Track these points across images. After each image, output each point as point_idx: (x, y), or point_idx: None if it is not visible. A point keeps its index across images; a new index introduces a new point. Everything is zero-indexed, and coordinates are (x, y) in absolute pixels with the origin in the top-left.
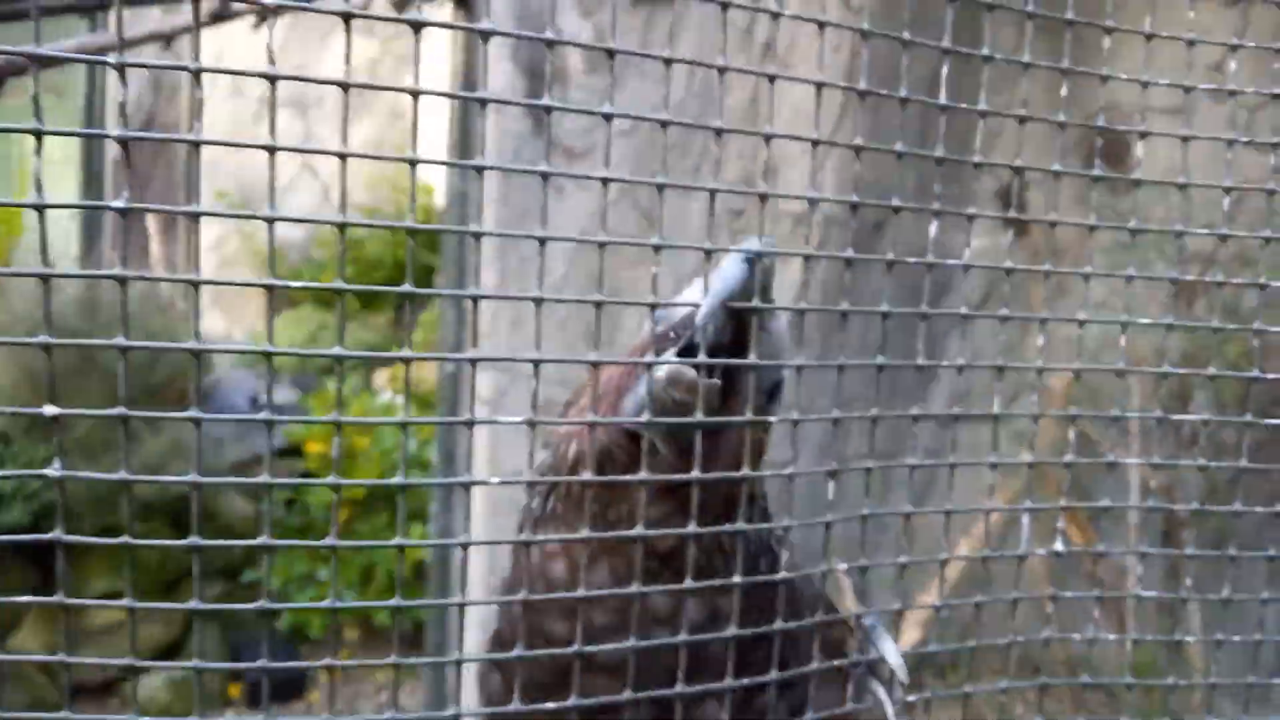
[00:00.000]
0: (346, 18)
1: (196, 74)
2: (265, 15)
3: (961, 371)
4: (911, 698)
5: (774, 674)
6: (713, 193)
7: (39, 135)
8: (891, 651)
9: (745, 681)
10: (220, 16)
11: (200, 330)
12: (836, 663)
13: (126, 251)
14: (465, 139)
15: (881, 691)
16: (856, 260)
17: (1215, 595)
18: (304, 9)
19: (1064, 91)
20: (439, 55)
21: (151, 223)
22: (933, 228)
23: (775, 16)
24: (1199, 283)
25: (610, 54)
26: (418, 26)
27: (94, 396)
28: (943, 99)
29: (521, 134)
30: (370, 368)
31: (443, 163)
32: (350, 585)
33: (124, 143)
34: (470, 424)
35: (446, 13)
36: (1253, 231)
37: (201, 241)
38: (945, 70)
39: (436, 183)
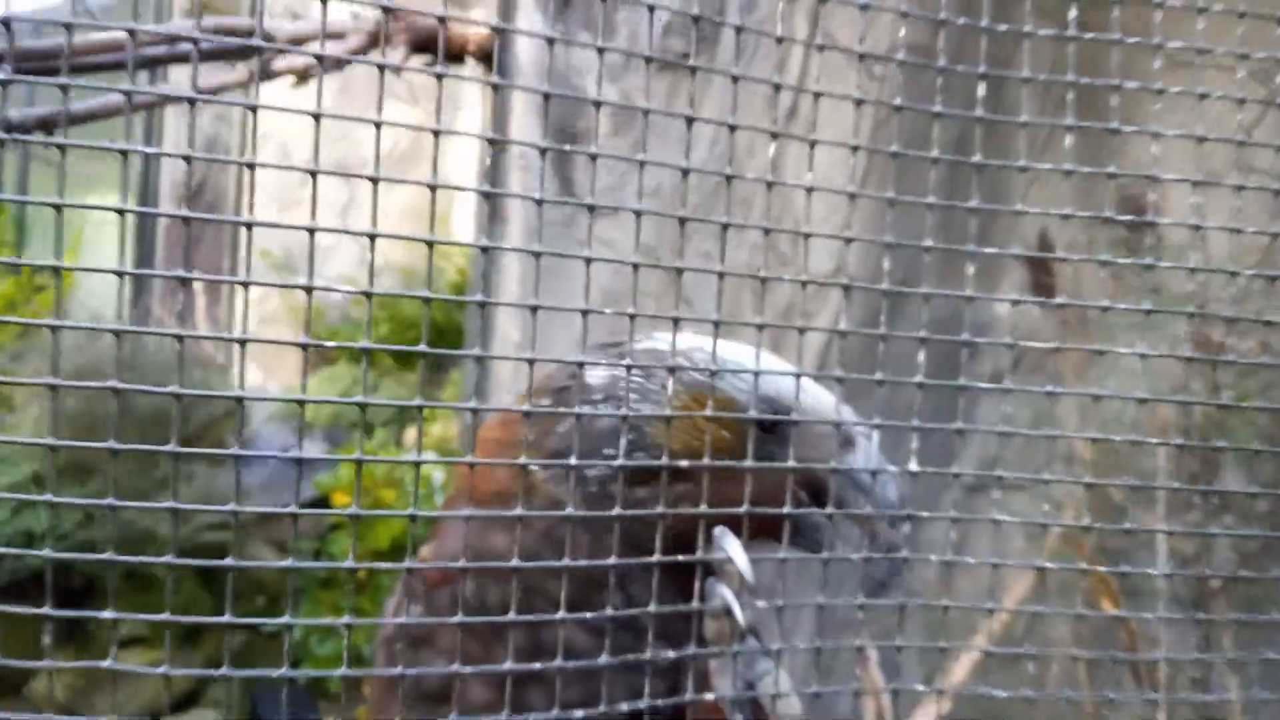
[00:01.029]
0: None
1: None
2: (303, 77)
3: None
4: (761, 603)
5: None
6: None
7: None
8: (737, 552)
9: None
10: (262, 76)
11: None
12: (681, 558)
13: (181, 310)
14: (493, 198)
15: (729, 594)
16: (886, 326)
17: (1246, 656)
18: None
19: (1110, 169)
20: (473, 119)
21: (197, 283)
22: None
23: (809, 94)
24: (1220, 344)
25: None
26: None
27: (129, 443)
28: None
29: (548, 193)
30: (400, 426)
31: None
32: (371, 640)
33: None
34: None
35: (465, 87)
36: (1276, 296)
37: (243, 301)
38: (976, 148)
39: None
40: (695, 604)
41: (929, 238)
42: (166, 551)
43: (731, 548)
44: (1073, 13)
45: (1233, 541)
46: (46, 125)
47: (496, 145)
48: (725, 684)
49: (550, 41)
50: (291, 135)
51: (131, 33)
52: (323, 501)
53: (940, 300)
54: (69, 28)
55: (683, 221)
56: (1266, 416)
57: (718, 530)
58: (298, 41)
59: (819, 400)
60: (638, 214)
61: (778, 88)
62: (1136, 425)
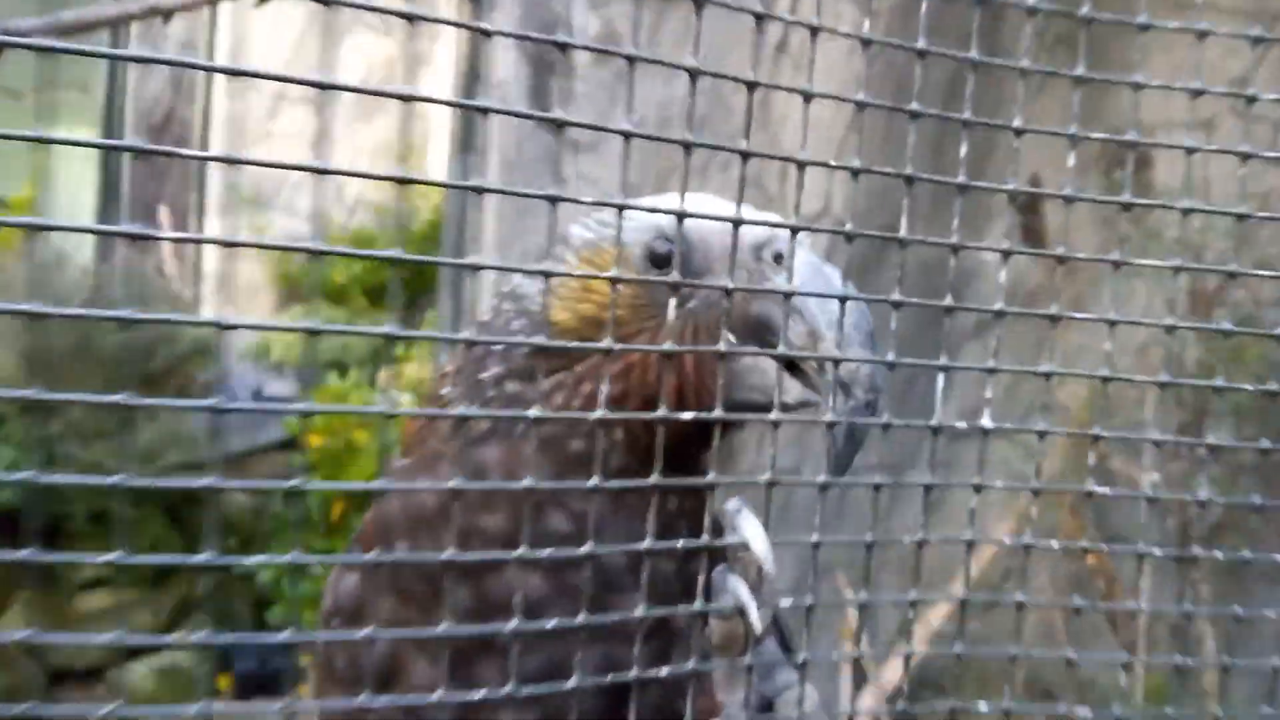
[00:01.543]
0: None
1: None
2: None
3: (991, 374)
4: (786, 602)
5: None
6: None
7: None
8: (755, 535)
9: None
10: None
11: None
12: (683, 543)
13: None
14: (468, 131)
15: (742, 589)
16: (870, 264)
17: (1226, 612)
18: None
19: (1075, 106)
20: (450, 48)
21: (164, 216)
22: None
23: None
24: (1215, 292)
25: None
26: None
27: (93, 381)
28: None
29: (524, 126)
30: (375, 366)
31: (429, 183)
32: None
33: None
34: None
35: (453, 6)
36: (1274, 243)
37: (212, 235)
38: (970, 83)
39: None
40: (700, 604)
41: (917, 185)
42: (131, 493)
43: (749, 529)
44: None
45: (1220, 490)
46: None
47: (471, 75)
48: (736, 700)
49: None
50: (261, 64)
51: None
52: (294, 443)
53: (926, 246)
54: None
55: (687, 148)
56: (1262, 365)
57: (731, 505)
58: None
59: (732, 228)
60: (626, 137)
61: (759, 17)
62: (1122, 370)
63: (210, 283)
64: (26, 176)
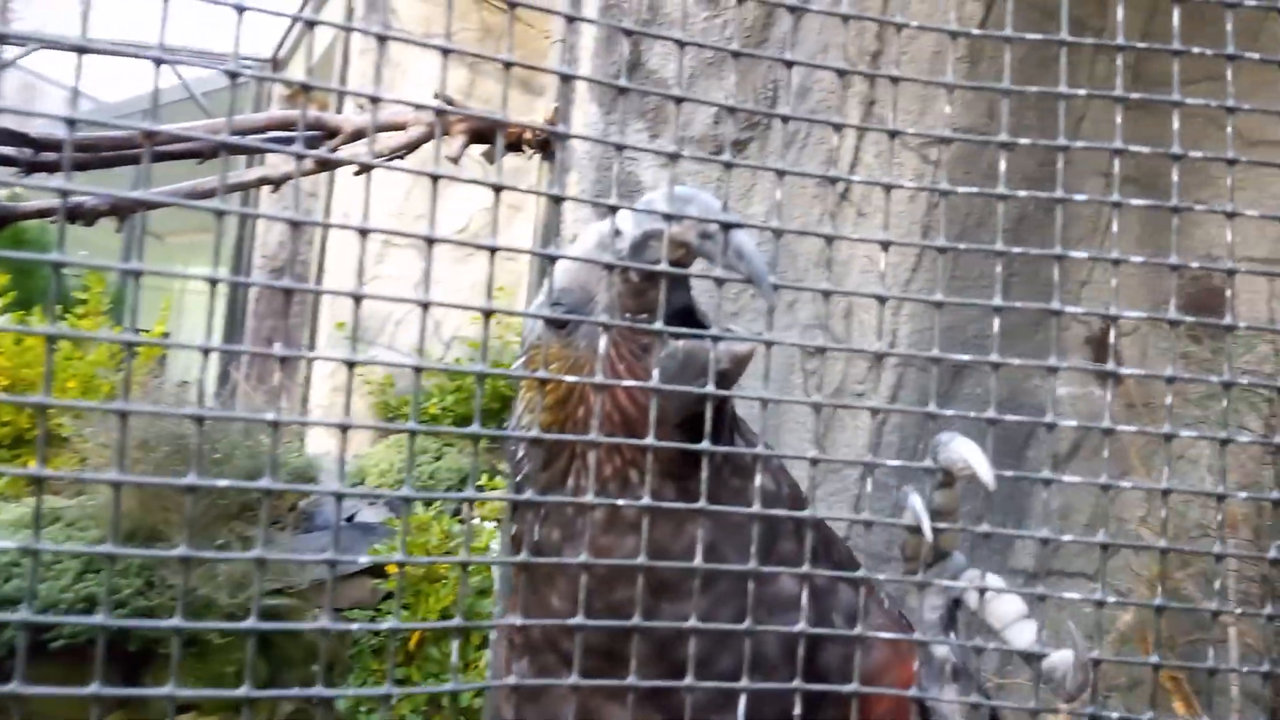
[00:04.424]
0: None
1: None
2: (363, 170)
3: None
4: (957, 525)
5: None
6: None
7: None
8: (973, 453)
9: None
10: (325, 165)
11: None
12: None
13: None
14: (544, 274)
15: (918, 505)
16: (940, 399)
17: None
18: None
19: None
20: (535, 204)
21: (277, 348)
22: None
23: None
24: None
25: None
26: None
27: (200, 508)
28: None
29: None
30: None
31: (517, 313)
32: (417, 710)
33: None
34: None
35: (533, 167)
36: None
37: (317, 372)
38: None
39: None
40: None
41: (984, 323)
42: (222, 618)
43: (966, 449)
44: (1119, 85)
45: None
46: (117, 211)
47: (552, 229)
48: (927, 604)
49: (616, 147)
50: (374, 213)
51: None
52: (378, 570)
53: (998, 383)
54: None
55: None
56: None
57: (944, 435)
58: (361, 133)
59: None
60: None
61: (832, 180)
62: (1203, 520)
63: (317, 414)
64: (161, 313)
